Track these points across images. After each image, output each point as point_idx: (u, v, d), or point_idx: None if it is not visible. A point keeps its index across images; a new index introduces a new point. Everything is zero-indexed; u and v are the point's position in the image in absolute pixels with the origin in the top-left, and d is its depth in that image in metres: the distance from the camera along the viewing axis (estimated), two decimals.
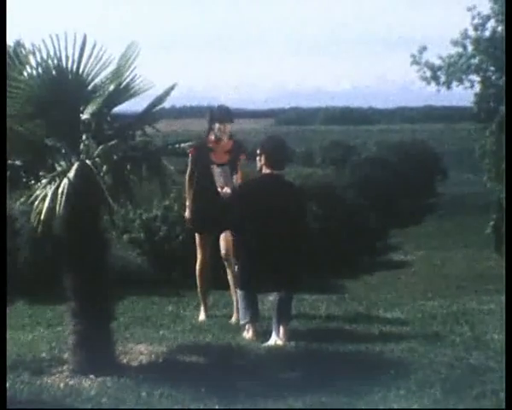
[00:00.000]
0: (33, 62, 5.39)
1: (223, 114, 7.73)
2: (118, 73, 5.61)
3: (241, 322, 6.92)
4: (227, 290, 8.29)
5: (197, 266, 7.95)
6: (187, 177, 7.85)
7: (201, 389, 5.12)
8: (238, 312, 7.31)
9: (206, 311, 7.97)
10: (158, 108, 5.79)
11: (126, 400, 5.03)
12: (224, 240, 7.66)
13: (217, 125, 7.64)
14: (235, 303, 7.59)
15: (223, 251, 7.71)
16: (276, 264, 6.69)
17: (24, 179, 5.52)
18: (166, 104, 5.84)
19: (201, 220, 7.77)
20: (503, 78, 15.65)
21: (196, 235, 7.92)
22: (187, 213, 7.94)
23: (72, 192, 5.15)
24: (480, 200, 21.42)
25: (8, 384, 5.12)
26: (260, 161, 6.91)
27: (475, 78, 20.39)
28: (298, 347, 6.29)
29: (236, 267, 7.06)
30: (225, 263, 7.74)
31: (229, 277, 7.72)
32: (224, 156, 7.72)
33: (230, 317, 7.69)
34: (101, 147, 5.48)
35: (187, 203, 7.95)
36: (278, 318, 6.69)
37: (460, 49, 20.45)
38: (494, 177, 17.34)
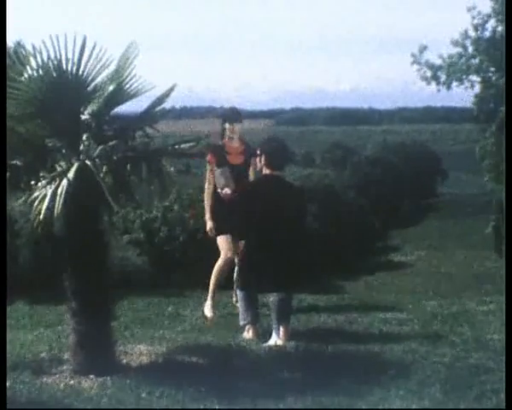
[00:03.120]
0: (34, 64, 5.39)
1: (232, 115, 8.07)
2: (118, 74, 5.61)
3: (242, 322, 6.93)
4: (226, 291, 8.31)
5: (220, 264, 7.86)
6: (207, 183, 7.92)
7: (201, 389, 5.13)
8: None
9: (213, 307, 7.91)
10: (158, 108, 5.79)
11: (126, 400, 5.04)
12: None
13: (227, 125, 7.95)
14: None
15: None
16: (276, 264, 6.69)
17: (24, 180, 5.53)
18: (166, 105, 5.85)
19: (224, 222, 7.75)
20: (504, 78, 15.65)
21: (223, 237, 7.85)
22: (209, 223, 7.94)
23: (72, 192, 5.16)
24: (480, 200, 21.41)
25: (8, 384, 5.13)
26: (260, 162, 6.92)
27: (475, 78, 20.40)
28: (298, 347, 6.29)
29: (237, 268, 7.07)
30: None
31: None
32: (240, 157, 7.92)
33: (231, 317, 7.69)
34: (101, 147, 5.49)
35: (207, 213, 7.96)
36: (278, 318, 6.69)
37: (460, 50, 20.46)
38: (494, 177, 17.32)
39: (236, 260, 7.78)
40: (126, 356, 5.94)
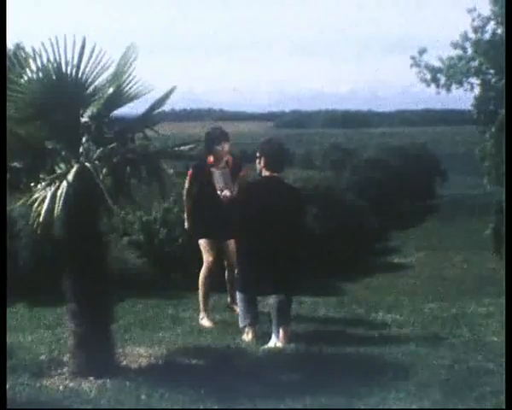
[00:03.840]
0: (33, 66, 5.39)
1: (220, 135, 7.82)
2: (117, 76, 5.62)
3: (241, 324, 6.92)
4: (225, 292, 8.30)
5: (203, 271, 7.82)
6: (186, 193, 7.94)
7: (201, 390, 5.12)
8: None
9: (209, 317, 7.79)
10: (157, 110, 5.79)
11: (126, 402, 5.03)
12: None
13: (216, 148, 7.72)
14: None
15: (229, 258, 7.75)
16: (275, 266, 6.69)
17: (24, 181, 5.53)
18: (166, 107, 5.85)
19: (207, 226, 7.75)
20: (503, 80, 15.65)
21: (202, 241, 7.84)
22: (187, 224, 7.98)
23: (72, 194, 5.16)
24: (479, 202, 21.43)
25: (7, 386, 5.12)
26: (260, 164, 6.92)
27: (475, 80, 20.41)
28: (297, 349, 6.29)
29: (236, 270, 7.07)
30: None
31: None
32: None
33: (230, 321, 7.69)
34: (100, 149, 5.49)
35: (185, 216, 8.01)
36: (278, 320, 6.69)
37: (460, 52, 20.47)
38: (494, 179, 17.35)
39: (226, 263, 7.85)
40: (126, 358, 5.94)
